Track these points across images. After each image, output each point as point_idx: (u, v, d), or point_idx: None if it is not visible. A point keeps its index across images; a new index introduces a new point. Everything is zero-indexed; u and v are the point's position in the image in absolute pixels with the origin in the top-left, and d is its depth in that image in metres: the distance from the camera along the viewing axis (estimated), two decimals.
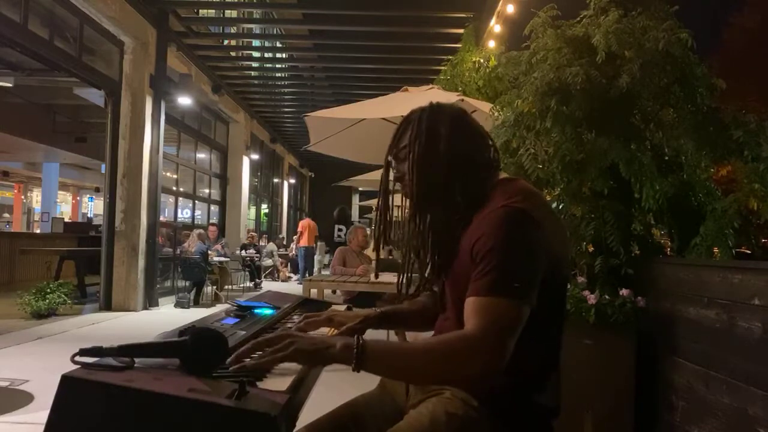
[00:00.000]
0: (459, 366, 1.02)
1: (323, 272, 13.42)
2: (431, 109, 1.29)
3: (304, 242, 12.79)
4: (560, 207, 2.88)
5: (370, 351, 1.01)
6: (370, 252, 6.01)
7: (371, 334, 1.23)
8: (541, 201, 1.23)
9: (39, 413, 3.03)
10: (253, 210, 14.36)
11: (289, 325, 1.52)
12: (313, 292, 4.63)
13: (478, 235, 1.12)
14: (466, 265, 1.13)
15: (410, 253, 1.29)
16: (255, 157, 13.31)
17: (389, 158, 1.31)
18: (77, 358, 0.94)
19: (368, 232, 5.83)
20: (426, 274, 1.30)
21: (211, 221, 10.51)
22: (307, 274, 11.78)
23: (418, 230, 1.26)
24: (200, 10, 9.38)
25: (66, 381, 0.86)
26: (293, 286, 11.43)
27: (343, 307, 1.67)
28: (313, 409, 1.24)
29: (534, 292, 1.07)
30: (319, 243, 13.33)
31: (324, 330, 1.40)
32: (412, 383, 1.25)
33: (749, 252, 2.60)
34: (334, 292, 5.97)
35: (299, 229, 13.18)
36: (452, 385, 1.15)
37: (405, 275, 1.32)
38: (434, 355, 1.03)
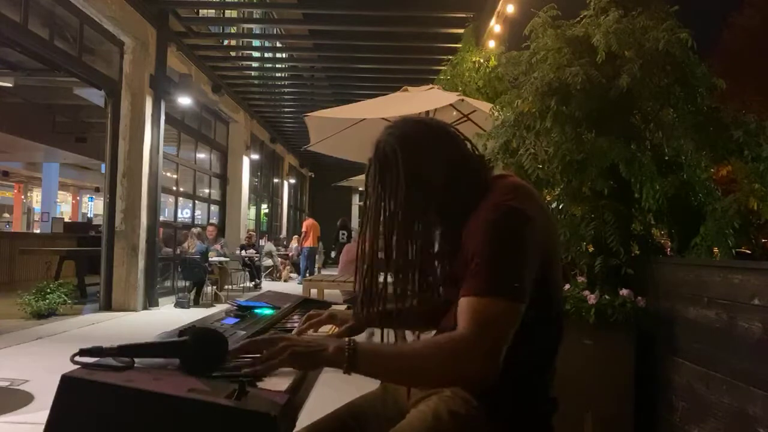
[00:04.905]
0: (452, 368, 1.00)
1: (322, 272, 13.52)
2: (393, 135, 1.25)
3: (308, 243, 12.82)
4: (560, 207, 2.88)
5: (361, 353, 0.99)
6: None
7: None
8: (533, 197, 1.19)
9: (39, 413, 3.03)
10: (253, 210, 14.36)
11: (289, 325, 1.52)
12: (313, 292, 4.63)
13: (471, 234, 1.12)
14: (464, 265, 1.13)
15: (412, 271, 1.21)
16: (255, 157, 13.30)
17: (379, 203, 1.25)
18: (77, 358, 0.94)
19: None
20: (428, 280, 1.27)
21: (210, 221, 10.50)
22: (307, 274, 11.79)
23: (418, 246, 1.20)
24: (200, 10, 9.37)
25: (66, 381, 0.86)
26: (293, 286, 11.43)
27: (343, 307, 1.68)
28: (313, 409, 1.24)
29: (527, 290, 1.05)
30: (319, 243, 13.43)
31: (326, 328, 1.40)
32: (405, 386, 1.22)
33: (749, 252, 2.60)
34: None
35: (304, 230, 13.21)
36: (447, 387, 1.13)
37: (406, 285, 1.23)
38: (426, 357, 1.00)
